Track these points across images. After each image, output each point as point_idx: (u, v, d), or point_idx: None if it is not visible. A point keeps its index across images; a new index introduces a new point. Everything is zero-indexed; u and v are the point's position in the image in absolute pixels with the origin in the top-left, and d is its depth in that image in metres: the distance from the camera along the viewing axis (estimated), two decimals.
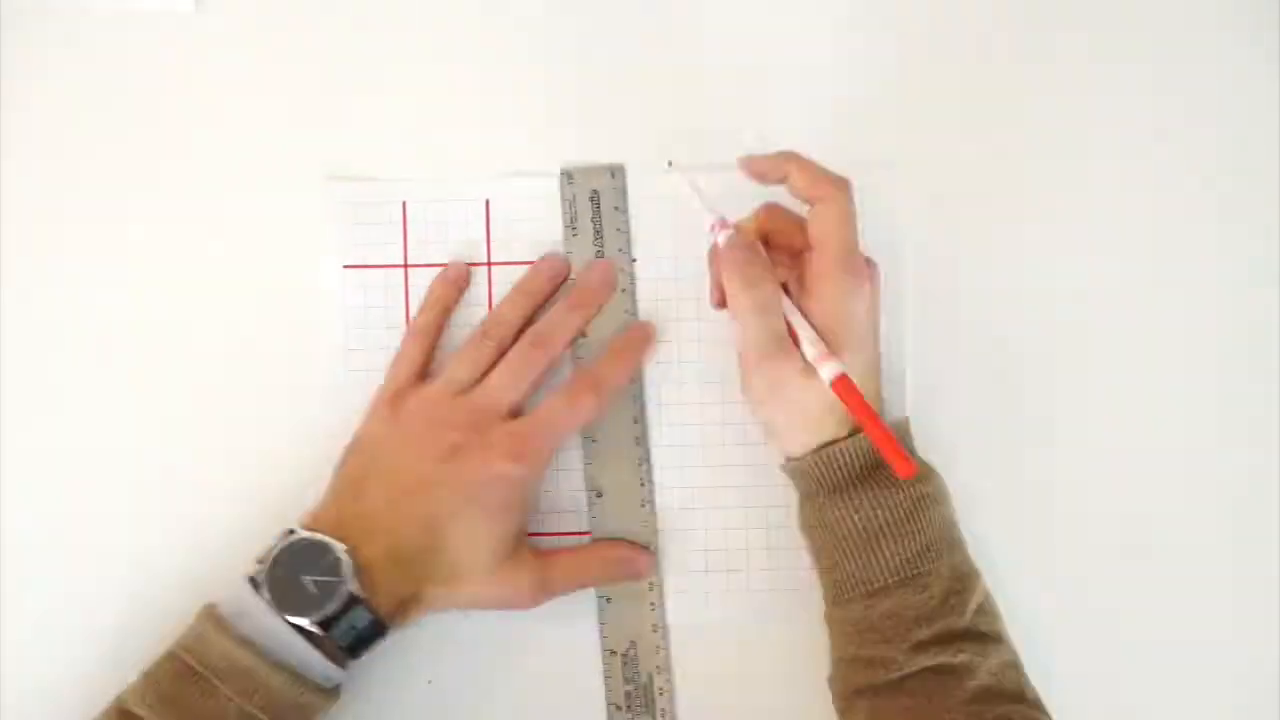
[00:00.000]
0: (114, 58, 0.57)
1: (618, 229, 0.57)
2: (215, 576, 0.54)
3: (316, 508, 0.52)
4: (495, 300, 0.57)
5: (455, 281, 0.57)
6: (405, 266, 0.57)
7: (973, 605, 0.50)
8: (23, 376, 0.56)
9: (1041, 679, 0.50)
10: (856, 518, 0.50)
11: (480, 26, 0.58)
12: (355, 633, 0.49)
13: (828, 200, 0.50)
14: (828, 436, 0.51)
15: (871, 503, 0.50)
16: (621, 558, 0.56)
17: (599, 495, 0.56)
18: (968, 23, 0.58)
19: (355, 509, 0.51)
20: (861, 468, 0.50)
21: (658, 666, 0.56)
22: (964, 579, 0.50)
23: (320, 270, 0.57)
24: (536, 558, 0.53)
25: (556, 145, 0.57)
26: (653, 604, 0.56)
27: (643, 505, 0.56)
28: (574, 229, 0.57)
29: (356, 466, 0.53)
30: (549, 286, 0.56)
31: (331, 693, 0.50)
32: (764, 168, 0.52)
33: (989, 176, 0.58)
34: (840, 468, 0.50)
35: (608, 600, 0.56)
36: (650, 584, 0.56)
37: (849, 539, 0.50)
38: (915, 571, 0.49)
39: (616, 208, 0.57)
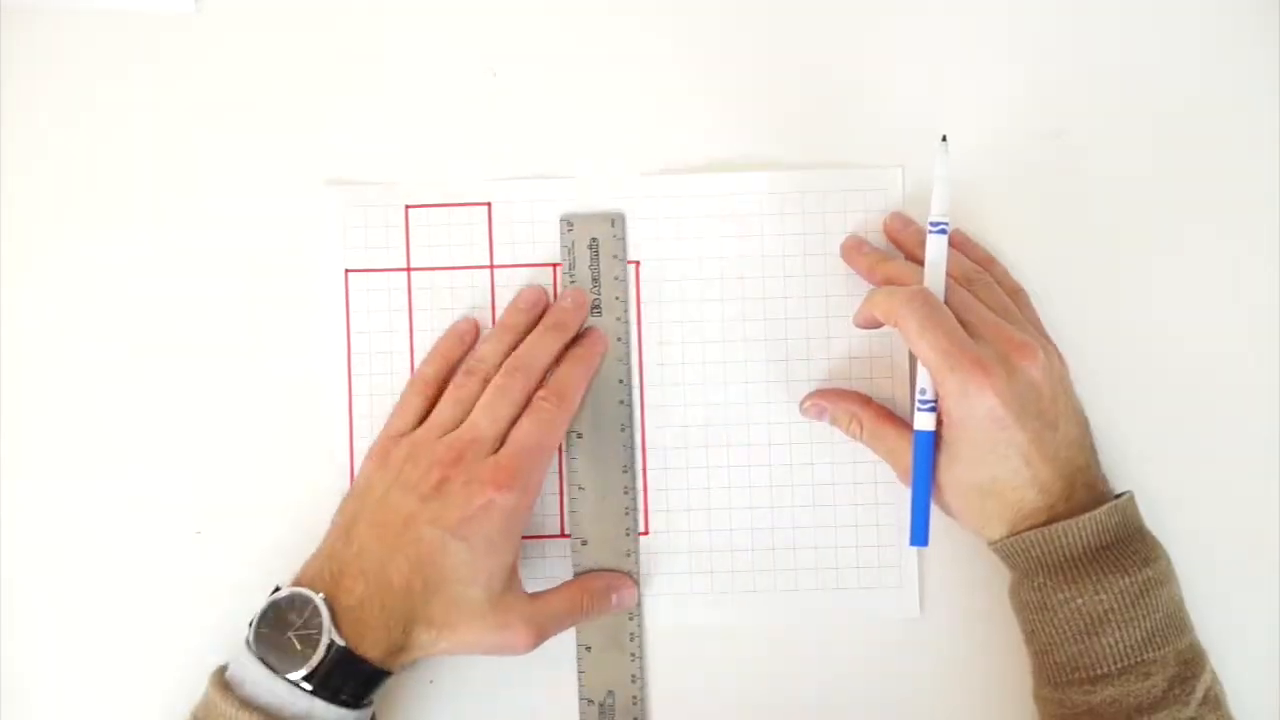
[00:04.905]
0: (114, 58, 0.57)
1: (615, 277, 0.57)
2: (212, 585, 0.56)
3: (312, 555, 0.52)
4: (499, 304, 0.57)
5: (461, 336, 0.56)
6: (408, 270, 0.57)
7: (1199, 694, 0.48)
8: (18, 380, 0.57)
9: None
10: (1080, 602, 0.48)
11: (482, 28, 0.57)
12: (350, 681, 0.49)
13: (899, 322, 0.50)
14: (1026, 516, 0.50)
15: (1095, 587, 0.48)
16: (608, 587, 0.56)
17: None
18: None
19: (346, 554, 0.51)
20: (1085, 549, 0.49)
21: (634, 718, 0.56)
22: (1190, 664, 0.49)
23: (322, 274, 0.57)
24: (529, 599, 0.53)
25: (558, 148, 0.57)
26: (633, 654, 0.56)
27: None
28: (571, 276, 0.57)
29: (348, 512, 0.53)
30: (528, 319, 0.56)
31: None
32: (863, 319, 0.54)
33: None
34: (1063, 548, 0.49)
35: (587, 649, 0.56)
36: (631, 635, 0.56)
37: (1070, 623, 0.49)
38: (1139, 659, 0.48)
39: (615, 256, 0.57)
